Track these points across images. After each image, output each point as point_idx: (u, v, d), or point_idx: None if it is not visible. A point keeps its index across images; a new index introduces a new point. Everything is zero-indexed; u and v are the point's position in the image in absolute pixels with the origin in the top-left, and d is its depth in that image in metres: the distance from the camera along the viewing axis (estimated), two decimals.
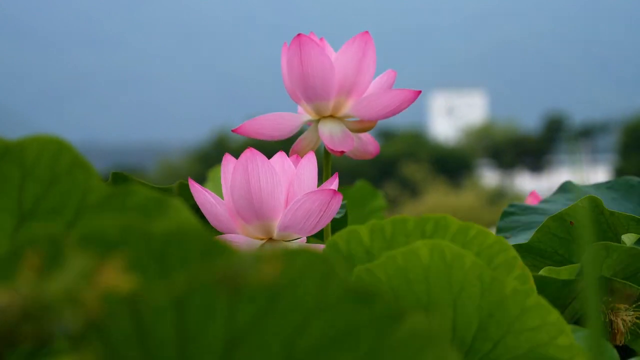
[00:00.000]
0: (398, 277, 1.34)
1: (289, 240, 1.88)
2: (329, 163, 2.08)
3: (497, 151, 76.04)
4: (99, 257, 0.84)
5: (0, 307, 0.79)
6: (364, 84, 2.03)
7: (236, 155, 1.87)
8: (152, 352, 0.90)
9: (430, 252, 1.32)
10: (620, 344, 1.79)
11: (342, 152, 2.02)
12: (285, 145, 2.18)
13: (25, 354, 0.98)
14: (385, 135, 66.23)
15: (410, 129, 70.40)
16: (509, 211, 2.43)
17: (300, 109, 2.10)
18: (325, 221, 1.83)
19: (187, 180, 1.94)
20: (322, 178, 2.03)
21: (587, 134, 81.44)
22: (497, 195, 49.89)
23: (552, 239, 2.16)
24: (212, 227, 1.90)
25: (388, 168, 58.44)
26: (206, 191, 1.86)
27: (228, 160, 1.87)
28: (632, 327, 1.79)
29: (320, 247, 1.85)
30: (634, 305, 1.80)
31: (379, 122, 2.09)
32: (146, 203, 1.13)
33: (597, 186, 2.54)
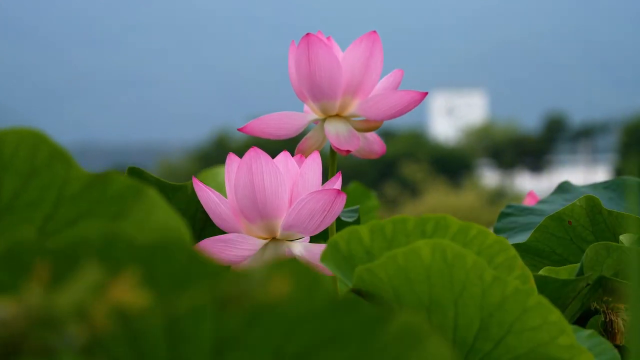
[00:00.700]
0: (399, 277, 1.34)
1: (293, 240, 1.88)
2: (335, 162, 2.08)
3: (497, 151, 76.02)
4: (111, 272, 0.83)
5: (6, 318, 0.79)
6: (370, 83, 2.03)
7: (237, 155, 1.87)
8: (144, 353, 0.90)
9: (431, 252, 1.32)
10: (621, 344, 1.80)
11: (349, 151, 2.03)
12: (289, 144, 2.18)
13: None
14: (385, 135, 66.20)
15: (410, 129, 70.41)
16: (507, 212, 2.43)
17: (306, 107, 2.10)
18: (329, 221, 1.83)
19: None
20: (327, 177, 2.04)
21: (587, 134, 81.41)
22: (497, 195, 49.88)
23: (550, 239, 2.16)
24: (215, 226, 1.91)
25: (388, 168, 58.45)
26: (210, 190, 1.87)
27: (232, 160, 1.87)
28: None
29: (322, 247, 1.85)
30: None
31: None
32: (124, 191, 1.12)
33: (594, 186, 2.54)
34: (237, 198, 1.84)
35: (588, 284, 1.80)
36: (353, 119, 2.08)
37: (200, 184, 1.87)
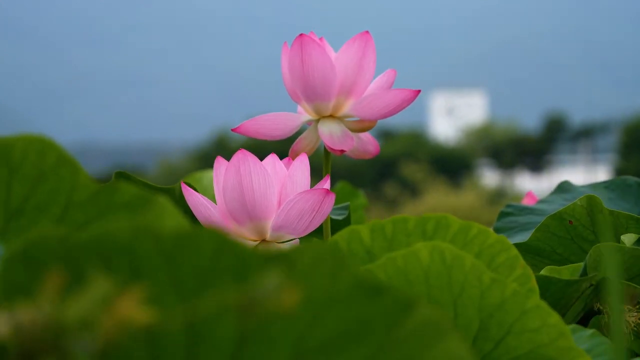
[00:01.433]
0: (398, 278, 1.34)
1: (282, 242, 1.88)
2: (329, 162, 2.08)
3: (497, 151, 76.15)
4: (120, 285, 0.82)
5: (22, 323, 0.78)
6: (364, 83, 2.04)
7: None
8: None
9: (430, 254, 1.32)
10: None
11: (342, 151, 2.03)
12: (286, 145, 2.18)
13: None
14: (385, 135, 66.33)
15: (410, 129, 70.50)
16: (506, 212, 2.43)
17: (300, 108, 2.10)
18: (318, 221, 1.83)
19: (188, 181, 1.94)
20: (322, 177, 2.03)
21: (587, 134, 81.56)
22: (497, 195, 49.97)
23: (551, 238, 2.16)
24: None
25: (388, 168, 58.53)
26: (199, 195, 1.86)
27: (220, 163, 1.87)
28: (635, 328, 1.78)
29: None
30: (637, 306, 1.79)
31: (379, 121, 2.10)
32: (132, 200, 1.13)
33: (594, 186, 2.54)
34: (225, 201, 1.84)
35: (591, 285, 1.79)
36: (347, 119, 2.08)
37: (189, 189, 1.87)
